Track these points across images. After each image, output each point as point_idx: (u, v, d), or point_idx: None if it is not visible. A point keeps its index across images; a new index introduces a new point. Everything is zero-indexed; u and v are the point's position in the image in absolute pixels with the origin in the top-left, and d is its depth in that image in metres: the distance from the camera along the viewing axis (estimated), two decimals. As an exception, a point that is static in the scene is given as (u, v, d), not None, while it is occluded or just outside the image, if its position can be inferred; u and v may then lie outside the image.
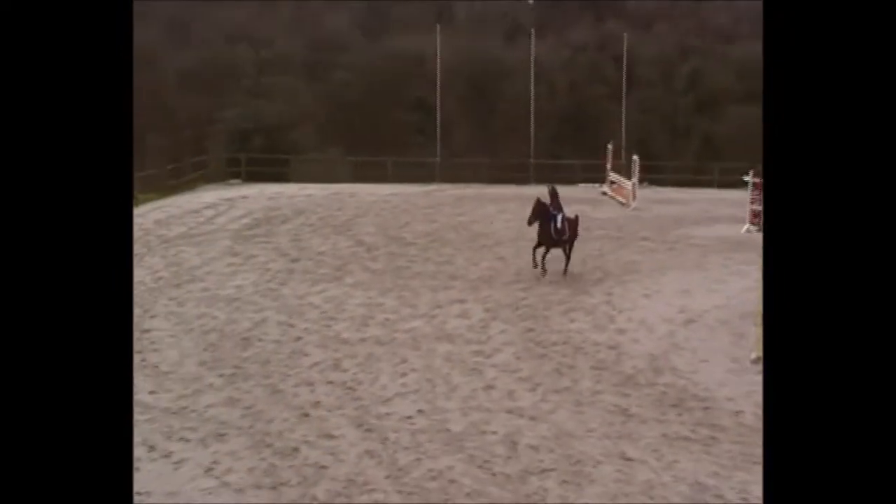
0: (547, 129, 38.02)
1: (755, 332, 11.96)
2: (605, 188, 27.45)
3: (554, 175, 31.48)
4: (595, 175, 29.01)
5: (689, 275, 16.47)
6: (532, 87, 33.49)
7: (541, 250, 15.73)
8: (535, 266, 15.65)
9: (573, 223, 16.03)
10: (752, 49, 47.47)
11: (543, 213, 15.63)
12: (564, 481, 8.38)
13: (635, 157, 25.65)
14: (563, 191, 27.81)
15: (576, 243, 18.12)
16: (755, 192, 21.12)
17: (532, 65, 33.61)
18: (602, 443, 9.22)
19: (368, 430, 9.43)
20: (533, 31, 35.81)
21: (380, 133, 38.18)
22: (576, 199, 25.75)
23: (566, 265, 15.98)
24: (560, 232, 15.68)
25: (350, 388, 10.63)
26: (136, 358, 11.38)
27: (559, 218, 15.69)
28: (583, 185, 29.40)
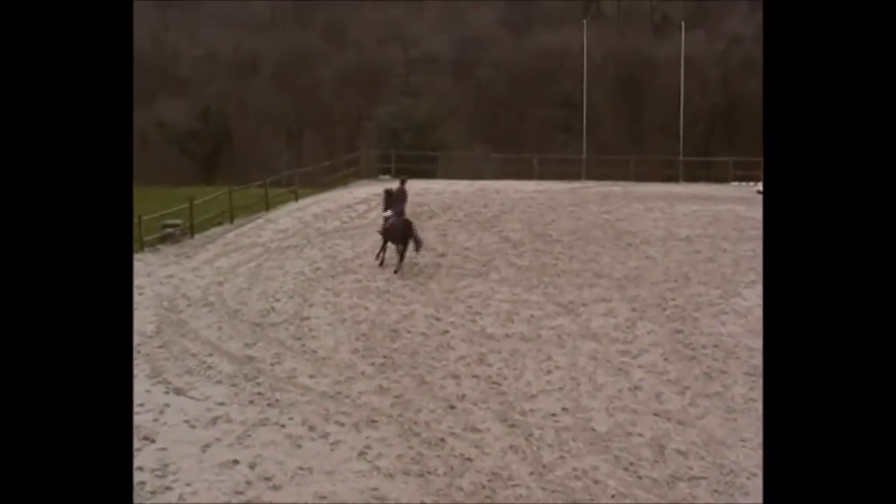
0: (697, 125, 36.71)
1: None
2: (761, 187, 26.16)
3: (704, 172, 30.38)
4: (749, 173, 27.67)
5: (854, 280, 15.44)
6: (682, 83, 32.34)
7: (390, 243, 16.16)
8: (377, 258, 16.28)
9: (404, 225, 15.85)
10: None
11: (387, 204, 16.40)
12: (716, 491, 8.17)
13: (795, 155, 24.24)
14: (713, 189, 26.88)
15: (728, 244, 17.42)
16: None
17: (682, 59, 32.45)
18: (757, 454, 8.87)
19: (513, 426, 9.55)
20: (683, 23, 34.57)
21: (525, 130, 38.28)
22: (727, 197, 24.69)
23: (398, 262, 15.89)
24: (389, 224, 16.06)
25: (495, 382, 10.79)
26: (297, 344, 12.14)
27: (388, 213, 16.14)
28: (735, 182, 28.13)
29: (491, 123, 37.55)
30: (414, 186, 25.17)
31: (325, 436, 9.22)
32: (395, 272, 15.57)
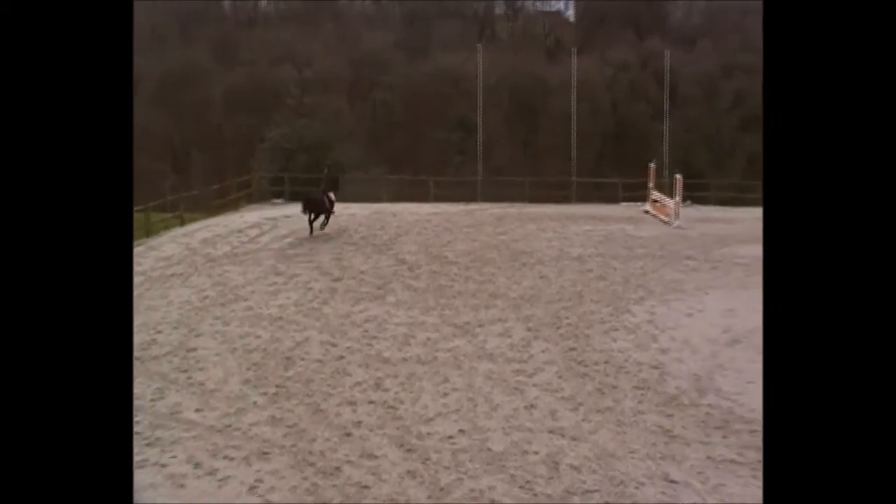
0: (589, 147, 37.90)
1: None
2: (648, 207, 27.22)
3: (595, 193, 31.39)
4: (637, 193, 28.80)
5: (733, 294, 16.20)
6: (574, 106, 33.42)
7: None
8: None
9: (321, 200, 21.22)
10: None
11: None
12: (607, 503, 8.30)
13: (678, 176, 25.41)
14: (605, 209, 27.79)
15: (618, 262, 18.05)
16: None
17: (574, 83, 33.57)
18: (645, 464, 9.11)
19: (410, 450, 9.44)
20: (574, 49, 35.79)
21: (421, 152, 38.51)
22: (617, 217, 25.59)
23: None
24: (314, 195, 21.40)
25: (392, 407, 10.66)
26: (182, 377, 11.61)
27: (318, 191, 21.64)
28: (625, 203, 29.19)
29: (387, 145, 37.58)
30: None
31: (213, 472, 8.81)
32: (310, 234, 20.51)
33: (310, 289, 16.07)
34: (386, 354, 12.61)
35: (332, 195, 21.20)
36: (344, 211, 23.54)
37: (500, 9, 56.37)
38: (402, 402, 10.80)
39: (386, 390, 11.21)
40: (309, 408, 10.57)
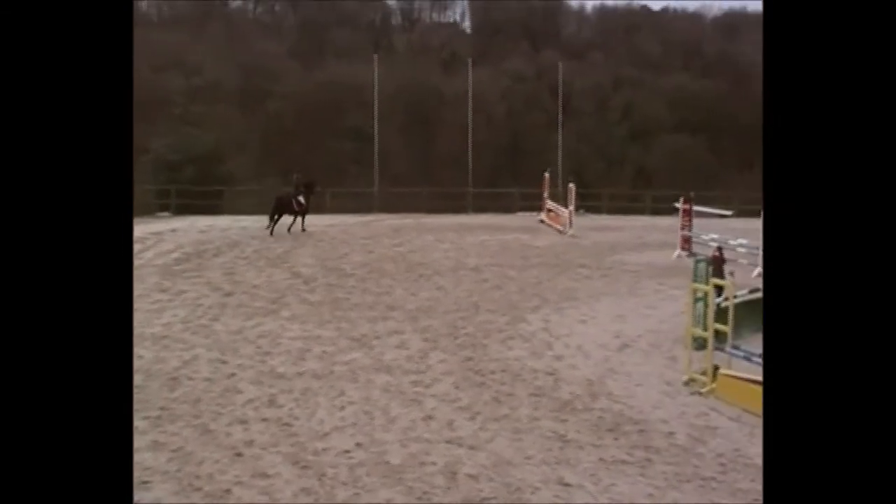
0: (485, 157, 38.44)
1: (686, 356, 12.18)
2: (543, 216, 27.78)
3: (492, 203, 31.82)
4: (533, 203, 29.39)
5: (623, 300, 16.71)
6: (470, 117, 33.82)
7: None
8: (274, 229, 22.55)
9: (289, 201, 23.10)
10: (682, 80, 49.15)
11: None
12: (501, 511, 8.31)
13: (571, 185, 26.08)
14: (501, 219, 28.21)
15: (514, 272, 18.32)
16: (685, 219, 21.72)
17: (470, 94, 34.00)
18: (540, 469, 9.20)
19: (305, 467, 9.18)
20: (470, 60, 36.25)
21: (316, 162, 37.92)
22: (513, 227, 26.02)
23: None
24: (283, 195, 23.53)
25: (286, 424, 10.35)
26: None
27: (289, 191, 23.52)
28: (521, 213, 29.71)
29: (280, 156, 36.83)
30: (197, 223, 24.10)
31: (85, 507, 8.27)
32: (270, 233, 22.13)
33: (199, 305, 15.47)
34: (280, 370, 12.26)
35: (301, 198, 22.68)
36: (234, 224, 22.93)
37: (396, 19, 56.56)
38: (296, 419, 10.51)
39: (280, 407, 10.88)
40: (196, 429, 10.11)
